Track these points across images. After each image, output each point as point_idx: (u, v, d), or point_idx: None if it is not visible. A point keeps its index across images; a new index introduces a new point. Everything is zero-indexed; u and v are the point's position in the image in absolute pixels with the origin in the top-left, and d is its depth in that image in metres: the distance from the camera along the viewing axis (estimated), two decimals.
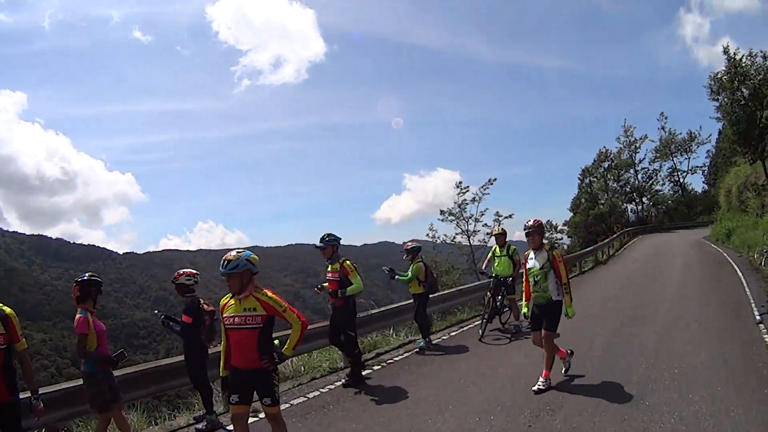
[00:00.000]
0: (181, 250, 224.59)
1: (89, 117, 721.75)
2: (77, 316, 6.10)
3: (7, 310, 5.18)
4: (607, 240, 34.74)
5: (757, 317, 11.11)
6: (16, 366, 5.30)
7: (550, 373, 7.64)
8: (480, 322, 12.09)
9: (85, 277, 6.39)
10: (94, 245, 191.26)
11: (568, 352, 8.19)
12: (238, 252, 5.29)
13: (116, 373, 6.70)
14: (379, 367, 9.99)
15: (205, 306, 7.42)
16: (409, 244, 11.37)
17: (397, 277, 11.11)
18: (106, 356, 6.17)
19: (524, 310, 8.15)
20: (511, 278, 12.18)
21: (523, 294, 8.21)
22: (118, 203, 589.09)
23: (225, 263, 5.20)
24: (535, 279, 7.79)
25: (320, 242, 8.99)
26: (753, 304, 12.61)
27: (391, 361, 10.35)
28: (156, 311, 7.92)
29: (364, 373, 9.26)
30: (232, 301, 5.28)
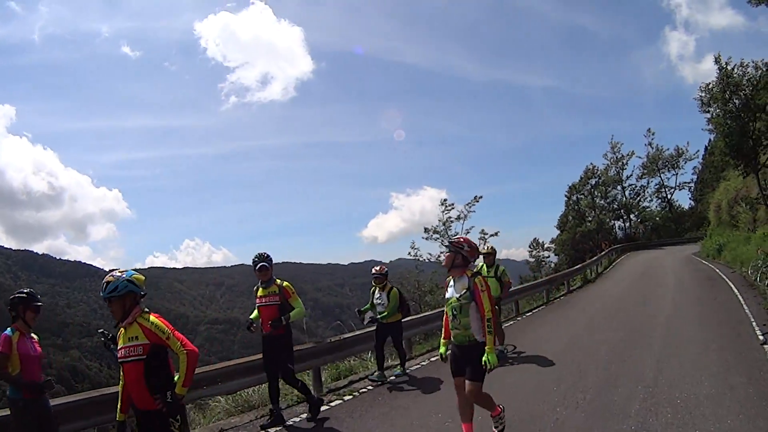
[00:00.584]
0: (167, 268, 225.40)
1: (77, 132, 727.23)
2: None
3: None
4: (595, 258, 34.18)
5: (761, 337, 10.32)
6: None
7: (499, 409, 6.33)
8: None
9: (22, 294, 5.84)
10: (80, 261, 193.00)
11: (502, 408, 6.39)
12: (119, 272, 4.63)
13: (58, 401, 6.25)
14: (351, 397, 9.19)
15: None
16: (383, 268, 10.48)
17: (379, 317, 10.07)
18: (28, 382, 5.51)
19: (441, 350, 6.63)
20: (497, 300, 11.31)
21: (442, 331, 6.69)
22: (105, 219, 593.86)
23: (104, 286, 4.53)
24: (453, 312, 6.19)
25: (263, 261, 8.10)
26: (754, 323, 11.82)
27: (364, 390, 9.54)
28: (100, 330, 7.01)
29: (322, 408, 8.37)
30: (122, 330, 4.57)
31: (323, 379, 10.37)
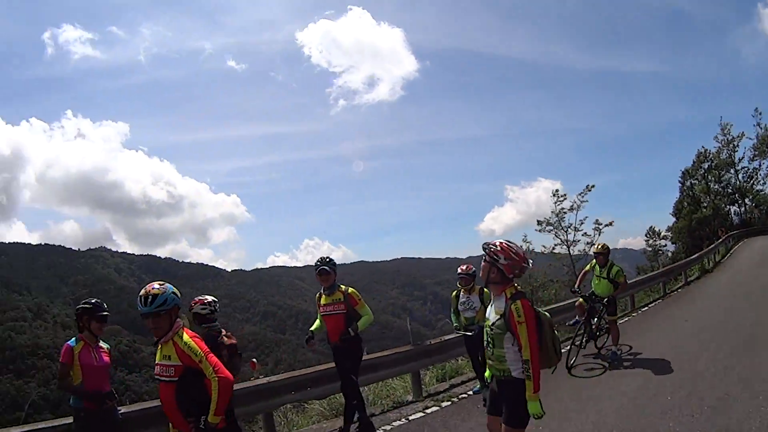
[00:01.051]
0: (288, 267, 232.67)
1: (191, 143, 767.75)
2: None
3: None
4: (712, 246, 32.14)
5: None
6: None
7: None
8: (569, 348, 10.23)
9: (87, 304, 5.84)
10: (202, 263, 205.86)
11: None
12: (158, 284, 4.26)
13: (133, 408, 6.36)
14: (449, 403, 8.81)
15: (225, 339, 6.31)
16: (470, 267, 9.12)
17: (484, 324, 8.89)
18: (90, 392, 5.54)
19: (487, 373, 5.09)
20: (609, 298, 10.43)
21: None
22: (225, 223, 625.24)
23: (149, 299, 4.13)
24: (487, 340, 4.83)
25: (324, 264, 7.47)
26: None
27: (464, 396, 9.10)
28: None
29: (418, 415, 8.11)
30: (160, 345, 4.29)
31: (426, 381, 10.17)
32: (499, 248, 4.66)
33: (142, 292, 4.18)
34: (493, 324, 4.69)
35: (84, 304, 5.82)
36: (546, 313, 4.78)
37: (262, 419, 7.87)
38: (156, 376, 4.26)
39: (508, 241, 4.73)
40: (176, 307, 4.25)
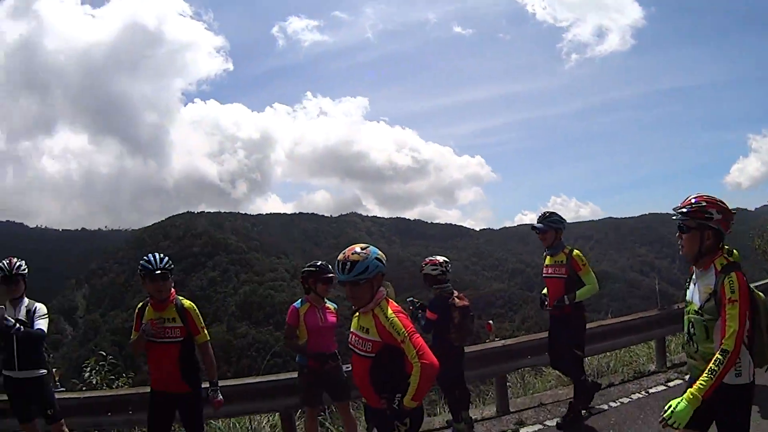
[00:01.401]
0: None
1: (430, 109, 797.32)
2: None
3: (186, 303, 5.10)
4: None
5: None
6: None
7: None
8: None
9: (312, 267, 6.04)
10: (450, 224, 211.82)
11: None
12: (360, 248, 3.69)
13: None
14: (660, 389, 7.85)
15: (457, 300, 6.20)
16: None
17: None
18: (314, 352, 5.77)
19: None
20: None
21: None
22: (471, 184, 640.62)
23: (347, 266, 3.61)
24: (689, 330, 3.66)
25: (539, 222, 6.72)
26: None
27: (681, 382, 7.76)
28: (410, 299, 6.72)
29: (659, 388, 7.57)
30: (357, 314, 3.84)
31: (671, 349, 9.56)
32: (704, 203, 3.51)
33: (340, 256, 3.69)
34: (700, 308, 3.55)
35: (309, 266, 5.98)
36: (761, 294, 3.55)
37: (495, 381, 7.78)
38: (350, 346, 3.89)
39: (700, 194, 3.60)
40: (380, 274, 3.71)
